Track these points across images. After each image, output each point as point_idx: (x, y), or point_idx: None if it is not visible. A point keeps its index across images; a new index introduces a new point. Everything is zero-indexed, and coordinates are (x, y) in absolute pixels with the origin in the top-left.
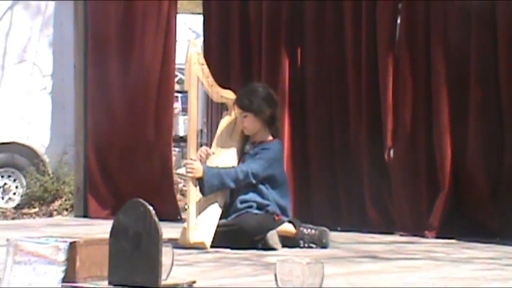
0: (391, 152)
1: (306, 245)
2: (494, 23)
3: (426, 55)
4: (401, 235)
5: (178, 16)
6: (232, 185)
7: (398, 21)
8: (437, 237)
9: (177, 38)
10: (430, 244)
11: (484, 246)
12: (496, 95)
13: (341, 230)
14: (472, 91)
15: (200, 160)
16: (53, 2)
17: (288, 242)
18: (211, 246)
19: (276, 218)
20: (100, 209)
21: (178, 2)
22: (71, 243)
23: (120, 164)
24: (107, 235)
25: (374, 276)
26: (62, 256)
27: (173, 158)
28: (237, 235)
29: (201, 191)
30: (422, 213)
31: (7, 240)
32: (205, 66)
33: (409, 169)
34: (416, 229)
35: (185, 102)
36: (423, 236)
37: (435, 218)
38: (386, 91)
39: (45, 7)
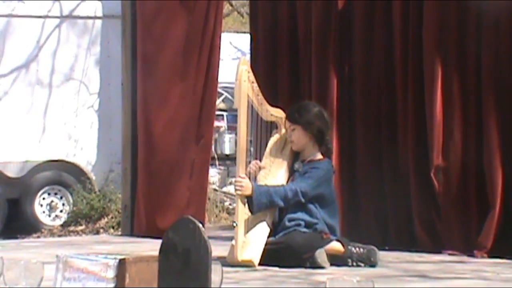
0: (438, 170)
1: (354, 263)
2: None
3: (476, 68)
4: (449, 254)
5: (223, 34)
6: (281, 203)
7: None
8: (486, 257)
9: (221, 56)
10: (479, 264)
11: None
12: None
13: (389, 249)
14: None
15: (249, 177)
16: (100, 20)
17: (337, 260)
18: (259, 264)
19: (324, 236)
20: (145, 227)
21: (223, 20)
22: (120, 260)
23: (163, 181)
24: (155, 253)
25: None
26: (111, 273)
27: (219, 176)
28: (285, 253)
29: (250, 209)
30: (471, 233)
31: (57, 256)
32: (255, 84)
33: (458, 188)
34: (465, 249)
35: (230, 120)
36: (472, 255)
37: (485, 237)
38: (433, 107)
39: (92, 25)
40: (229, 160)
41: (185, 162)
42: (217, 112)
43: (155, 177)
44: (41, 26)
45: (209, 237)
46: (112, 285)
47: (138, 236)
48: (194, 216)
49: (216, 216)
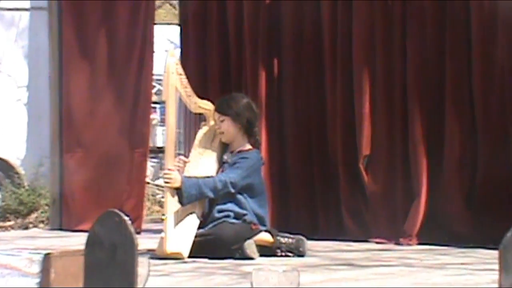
0: (365, 160)
1: (283, 254)
2: (468, 24)
3: (402, 62)
4: (376, 242)
5: (156, 27)
6: (211, 194)
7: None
8: (411, 244)
9: (154, 49)
10: (404, 251)
11: (457, 252)
12: (470, 106)
13: (318, 239)
14: (447, 100)
15: (178, 170)
16: (27, 13)
17: (265, 251)
18: (189, 256)
19: (253, 227)
20: (76, 221)
21: (156, 13)
22: (45, 255)
23: (95, 175)
24: (83, 247)
25: (350, 283)
26: (36, 268)
27: (151, 169)
28: (214, 245)
29: (180, 201)
30: (397, 221)
31: None
32: (183, 76)
33: (385, 177)
34: (392, 237)
35: (163, 113)
36: (399, 243)
37: (410, 225)
38: (362, 100)
39: (20, 18)
40: (161, 152)
41: (124, 156)
42: None
43: (93, 171)
44: None
45: (142, 230)
46: (37, 280)
47: (67, 231)
48: (133, 209)
49: (149, 209)
